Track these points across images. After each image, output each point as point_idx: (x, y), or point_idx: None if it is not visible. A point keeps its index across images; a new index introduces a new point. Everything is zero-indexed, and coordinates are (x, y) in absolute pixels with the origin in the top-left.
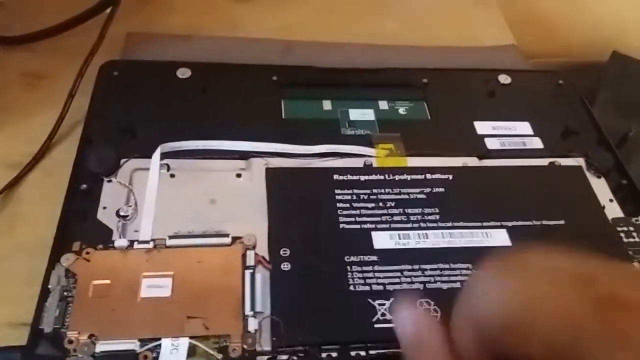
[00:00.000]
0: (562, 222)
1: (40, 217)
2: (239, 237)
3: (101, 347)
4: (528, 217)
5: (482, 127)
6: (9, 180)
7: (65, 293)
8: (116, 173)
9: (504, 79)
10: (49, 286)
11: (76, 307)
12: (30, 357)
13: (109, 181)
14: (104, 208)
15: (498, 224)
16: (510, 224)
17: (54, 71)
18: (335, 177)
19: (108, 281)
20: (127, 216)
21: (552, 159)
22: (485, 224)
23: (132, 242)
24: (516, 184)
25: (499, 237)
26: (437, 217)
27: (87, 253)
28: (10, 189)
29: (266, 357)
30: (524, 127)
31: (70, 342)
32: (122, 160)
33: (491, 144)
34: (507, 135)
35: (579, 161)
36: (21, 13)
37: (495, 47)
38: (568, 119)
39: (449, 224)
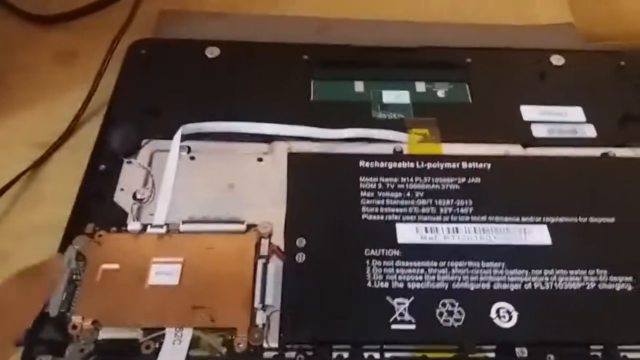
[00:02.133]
0: (612, 219)
1: (64, 196)
2: (255, 225)
3: (104, 334)
4: (573, 213)
5: (529, 112)
6: (35, 159)
7: (74, 276)
8: (137, 154)
9: (557, 59)
10: None
11: (83, 291)
12: (34, 340)
13: (129, 162)
14: (122, 190)
15: (539, 219)
16: (552, 220)
17: (87, 49)
18: (361, 164)
19: (117, 266)
20: (143, 199)
21: (606, 149)
22: (524, 219)
23: (145, 226)
24: (563, 176)
25: (539, 235)
26: (470, 210)
27: (100, 236)
28: (36, 167)
29: (273, 353)
30: (576, 113)
31: (74, 327)
32: (144, 141)
33: (538, 131)
34: (557, 121)
35: (638, 152)
36: None
37: (548, 26)
38: (628, 104)
39: (483, 218)
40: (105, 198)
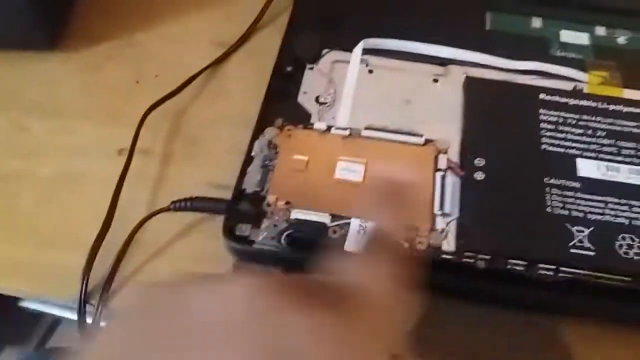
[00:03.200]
0: None
1: (242, 93)
2: (432, 140)
3: (296, 214)
4: None
5: None
6: (216, 57)
7: (266, 162)
8: (318, 61)
9: None
10: (253, 153)
11: (276, 175)
12: (233, 211)
13: (311, 68)
14: (305, 93)
15: None
16: None
17: None
18: (542, 96)
19: (306, 157)
20: (325, 103)
21: None
22: None
23: (329, 127)
24: None
25: None
26: None
27: (289, 130)
28: (217, 65)
29: (450, 257)
30: None
31: (269, 205)
32: (324, 50)
33: None
34: None
35: None
36: None
37: None
38: None
39: None
40: (290, 98)
